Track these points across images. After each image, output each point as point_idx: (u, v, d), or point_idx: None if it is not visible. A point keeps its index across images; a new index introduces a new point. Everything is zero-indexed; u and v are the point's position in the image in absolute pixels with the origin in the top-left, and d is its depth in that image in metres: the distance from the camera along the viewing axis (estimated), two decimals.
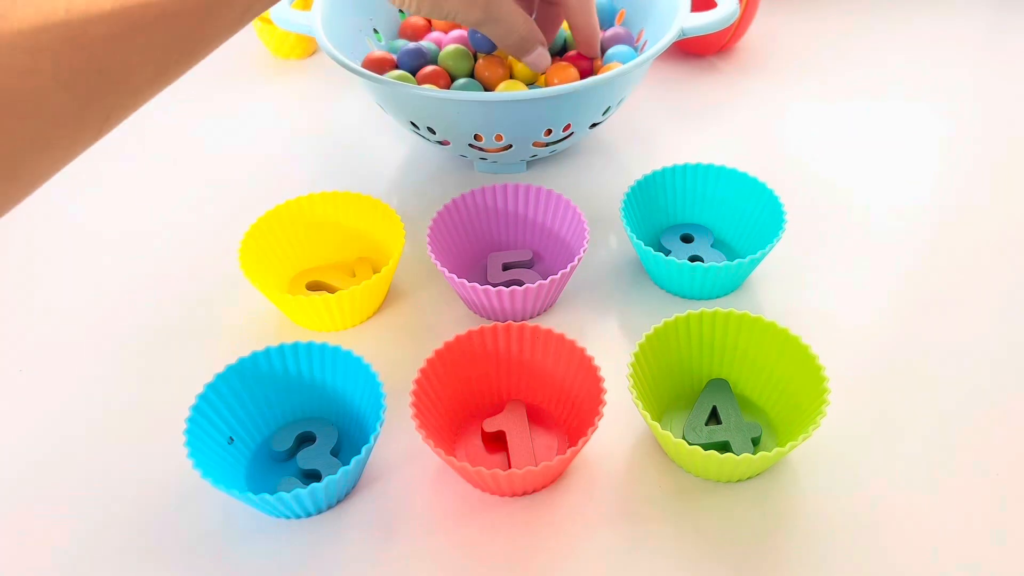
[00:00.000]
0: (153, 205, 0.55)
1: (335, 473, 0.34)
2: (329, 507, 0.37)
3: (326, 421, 0.39)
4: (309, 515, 0.36)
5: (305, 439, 0.39)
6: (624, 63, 0.51)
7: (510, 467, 0.37)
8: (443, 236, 0.46)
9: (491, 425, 0.39)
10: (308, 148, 0.59)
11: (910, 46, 0.67)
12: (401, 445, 0.39)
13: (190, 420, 0.36)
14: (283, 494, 0.34)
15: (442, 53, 0.55)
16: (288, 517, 0.36)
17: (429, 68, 0.53)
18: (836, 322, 0.44)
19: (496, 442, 0.39)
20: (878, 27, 0.69)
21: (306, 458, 0.38)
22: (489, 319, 0.45)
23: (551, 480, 0.38)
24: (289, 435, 0.39)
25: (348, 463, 0.35)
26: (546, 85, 0.52)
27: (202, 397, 0.37)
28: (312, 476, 0.38)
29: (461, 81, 0.54)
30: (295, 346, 0.39)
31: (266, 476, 0.38)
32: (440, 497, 0.37)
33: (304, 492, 0.34)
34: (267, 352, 0.39)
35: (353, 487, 0.38)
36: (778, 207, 0.45)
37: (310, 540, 0.36)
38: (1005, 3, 0.71)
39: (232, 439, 0.38)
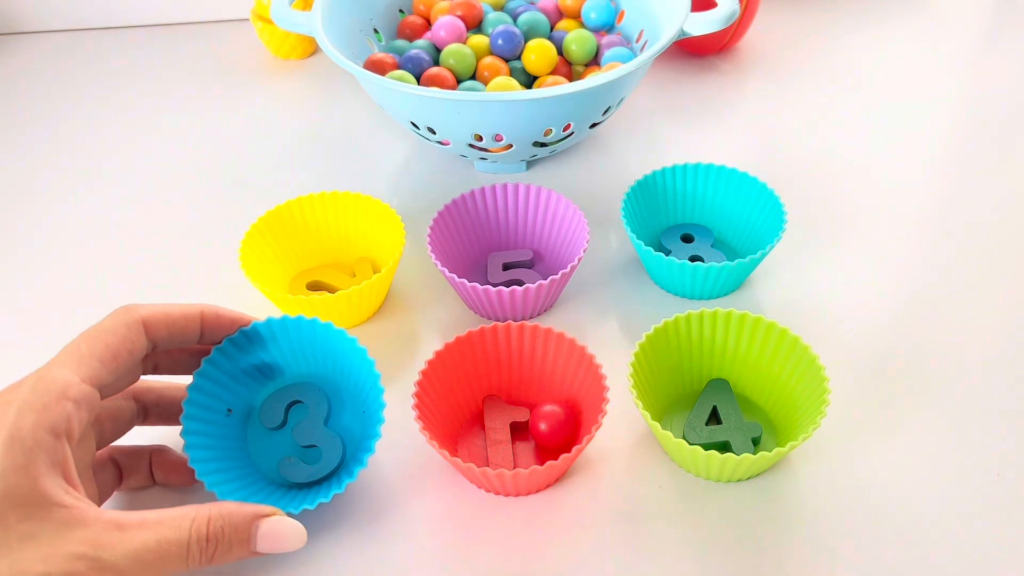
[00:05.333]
0: (154, 205, 0.55)
1: (332, 452, 0.37)
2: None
3: (313, 386, 0.39)
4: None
5: (294, 403, 0.39)
6: (624, 63, 0.51)
7: (515, 466, 0.37)
8: (443, 236, 0.46)
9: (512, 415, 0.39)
10: (308, 148, 0.59)
11: (910, 46, 0.67)
12: (401, 445, 0.39)
13: (185, 417, 0.36)
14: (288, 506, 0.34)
15: (443, 53, 0.55)
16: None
17: (434, 69, 0.53)
18: (836, 322, 0.44)
19: (516, 431, 0.39)
20: (878, 26, 0.69)
21: (302, 433, 0.38)
22: (489, 319, 0.45)
23: (554, 480, 0.38)
24: (279, 406, 0.39)
25: (340, 433, 0.36)
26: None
27: (193, 387, 0.37)
28: (309, 447, 0.38)
29: (467, 83, 0.54)
30: (283, 321, 0.38)
31: (265, 449, 0.38)
32: (440, 497, 0.37)
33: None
34: (254, 326, 0.38)
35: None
36: (778, 207, 0.45)
37: (310, 539, 0.36)
38: (1005, 3, 0.71)
39: (231, 410, 0.38)
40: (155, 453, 0.37)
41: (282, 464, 0.37)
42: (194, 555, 0.30)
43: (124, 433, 0.36)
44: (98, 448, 0.35)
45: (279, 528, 0.31)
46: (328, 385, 0.40)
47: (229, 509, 0.31)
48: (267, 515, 0.31)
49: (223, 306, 0.37)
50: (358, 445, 0.38)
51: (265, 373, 0.39)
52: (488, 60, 0.55)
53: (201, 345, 0.37)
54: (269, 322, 0.38)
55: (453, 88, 0.53)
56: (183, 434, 0.35)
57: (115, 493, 0.38)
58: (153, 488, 0.38)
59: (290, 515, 0.33)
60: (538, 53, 0.55)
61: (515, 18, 0.59)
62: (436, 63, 0.55)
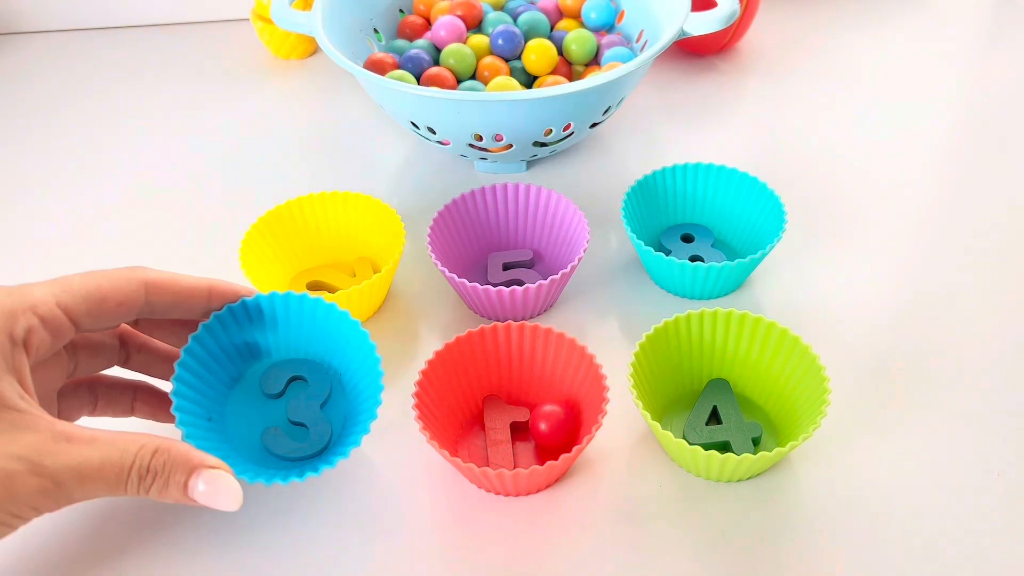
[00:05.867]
0: (153, 205, 0.55)
1: (320, 433, 0.36)
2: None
3: (320, 368, 0.39)
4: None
5: (295, 378, 0.39)
6: (624, 63, 0.51)
7: (515, 465, 0.37)
8: (443, 236, 0.46)
9: (512, 415, 0.39)
10: (308, 148, 0.59)
11: (910, 46, 0.67)
12: (402, 444, 0.39)
13: (176, 379, 0.35)
14: (267, 478, 0.33)
15: (443, 52, 0.55)
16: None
17: (434, 69, 0.53)
18: (836, 322, 0.44)
19: (516, 431, 0.39)
20: (878, 26, 0.69)
21: (295, 409, 0.37)
22: (489, 319, 0.45)
23: (554, 480, 0.38)
24: (281, 376, 0.38)
25: (335, 417, 0.37)
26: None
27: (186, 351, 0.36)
28: (297, 424, 0.37)
29: (467, 83, 0.54)
30: (285, 297, 0.38)
31: (248, 415, 0.37)
32: (440, 496, 0.37)
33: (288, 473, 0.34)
34: (257, 298, 0.37)
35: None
36: (778, 207, 0.45)
37: (312, 539, 0.36)
38: (1005, 3, 0.71)
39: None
40: (140, 390, 0.37)
41: (266, 433, 0.37)
42: (132, 482, 0.30)
43: (102, 370, 0.36)
44: (71, 377, 0.35)
45: (218, 483, 0.31)
46: (332, 364, 0.39)
47: (178, 449, 0.31)
48: (212, 467, 0.31)
49: (236, 284, 0.36)
50: (343, 430, 0.37)
51: (254, 352, 0.39)
52: (488, 60, 0.55)
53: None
54: (272, 296, 0.37)
55: (453, 88, 0.53)
56: (173, 395, 0.34)
57: None
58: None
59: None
60: (538, 53, 0.55)
61: (515, 18, 0.59)
62: (436, 63, 0.55)
